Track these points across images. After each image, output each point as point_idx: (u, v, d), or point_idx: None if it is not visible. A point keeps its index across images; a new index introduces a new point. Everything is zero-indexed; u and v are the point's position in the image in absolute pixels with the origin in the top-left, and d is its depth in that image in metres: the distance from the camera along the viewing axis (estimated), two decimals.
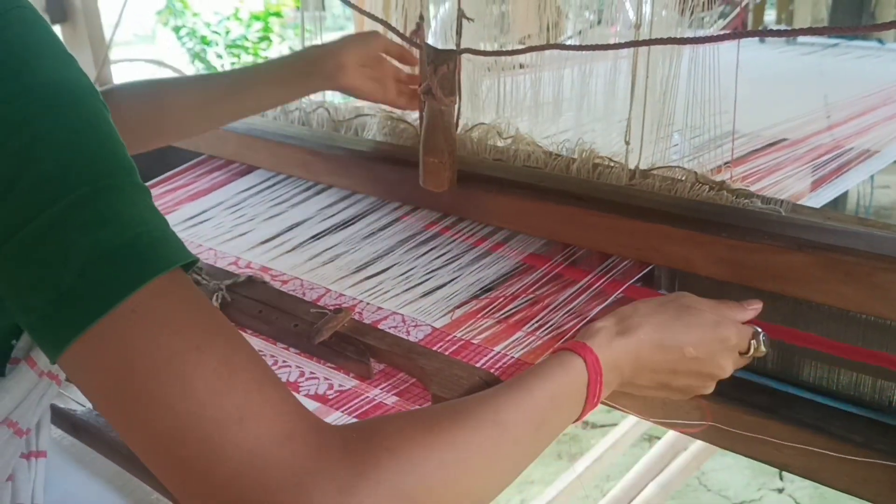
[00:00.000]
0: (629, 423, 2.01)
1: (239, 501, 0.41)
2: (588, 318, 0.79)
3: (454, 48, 0.91)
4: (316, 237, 1.03)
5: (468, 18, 0.91)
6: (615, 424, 2.12)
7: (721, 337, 0.68)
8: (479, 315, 0.83)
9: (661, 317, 0.67)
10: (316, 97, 1.29)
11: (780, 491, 2.11)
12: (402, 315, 0.85)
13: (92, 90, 0.47)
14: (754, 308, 0.73)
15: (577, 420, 0.62)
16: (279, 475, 0.41)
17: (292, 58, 1.04)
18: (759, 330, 0.71)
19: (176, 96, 0.98)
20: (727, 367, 0.69)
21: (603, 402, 0.70)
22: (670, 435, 1.93)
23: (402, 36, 1.05)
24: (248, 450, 0.41)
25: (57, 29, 1.51)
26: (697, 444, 1.88)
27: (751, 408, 0.75)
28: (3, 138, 0.43)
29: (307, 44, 1.30)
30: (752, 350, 0.70)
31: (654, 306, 0.68)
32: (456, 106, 0.90)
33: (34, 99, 0.44)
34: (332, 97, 1.31)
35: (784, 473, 2.13)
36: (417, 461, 0.46)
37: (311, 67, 1.00)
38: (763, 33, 1.88)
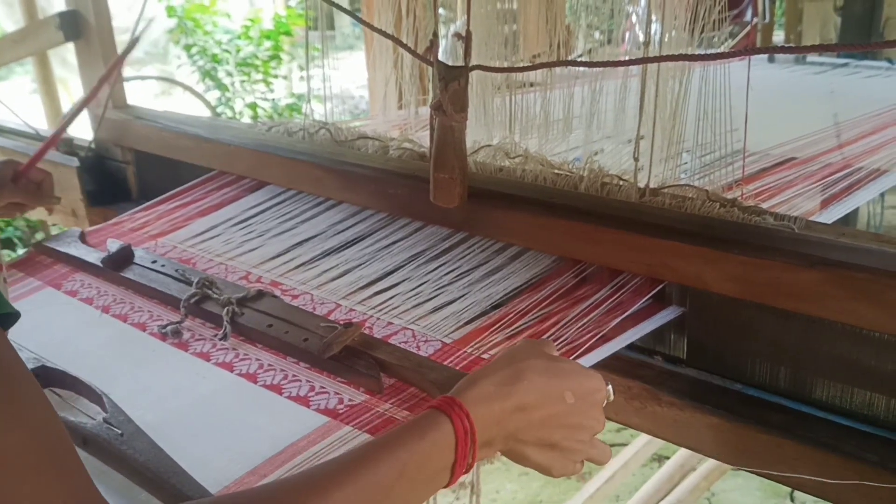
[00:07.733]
0: (639, 444, 2.00)
1: None
2: (600, 335, 0.79)
3: (464, 65, 0.92)
4: (326, 252, 1.03)
5: (460, 37, 0.91)
6: (625, 444, 2.11)
7: (594, 386, 0.62)
8: (490, 331, 0.83)
9: (543, 361, 0.61)
10: (318, 117, 1.30)
11: None
12: (413, 330, 0.85)
13: None
14: None
15: (446, 486, 0.54)
16: None
17: None
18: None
19: None
20: (601, 418, 0.63)
21: (613, 420, 0.69)
22: (680, 455, 1.91)
23: (414, 53, 1.06)
24: None
25: (71, 46, 1.53)
26: (707, 465, 1.86)
27: (765, 426, 0.74)
28: None
29: (315, 62, 1.31)
30: (605, 402, 0.64)
31: (531, 349, 0.62)
32: (466, 122, 0.90)
33: None
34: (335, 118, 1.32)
35: (795, 494, 2.11)
36: None
37: None
38: (772, 50, 1.88)
